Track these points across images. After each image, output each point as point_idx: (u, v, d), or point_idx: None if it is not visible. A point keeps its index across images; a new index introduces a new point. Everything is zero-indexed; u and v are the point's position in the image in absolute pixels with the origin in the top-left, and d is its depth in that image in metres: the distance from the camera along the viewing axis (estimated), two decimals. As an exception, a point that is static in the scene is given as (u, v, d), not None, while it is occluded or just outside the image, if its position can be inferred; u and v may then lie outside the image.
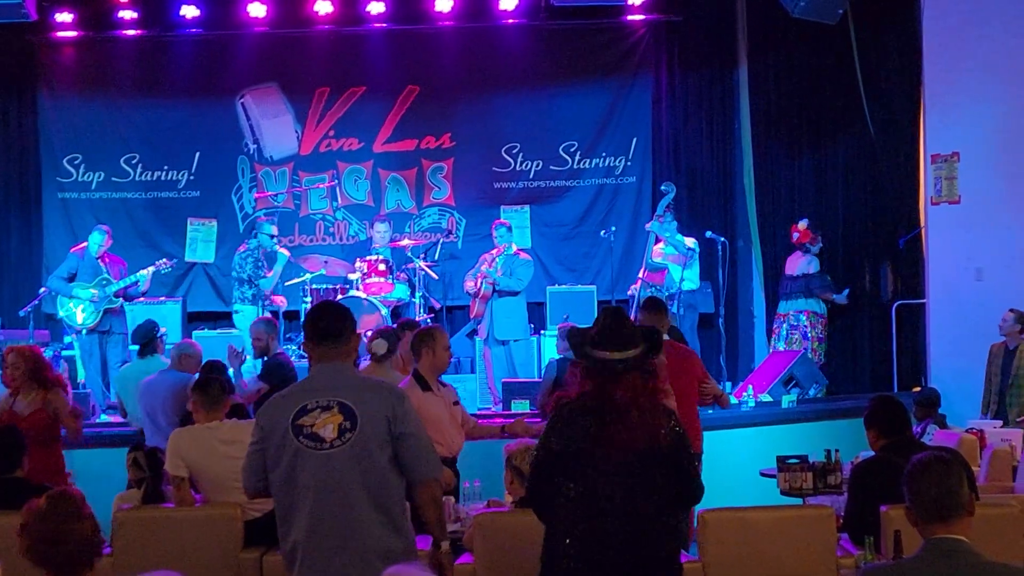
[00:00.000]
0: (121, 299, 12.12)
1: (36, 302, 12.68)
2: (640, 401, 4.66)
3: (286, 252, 12.72)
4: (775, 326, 13.96)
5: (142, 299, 12.67)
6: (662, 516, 4.69)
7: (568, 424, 4.71)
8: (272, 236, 12.69)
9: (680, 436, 4.76)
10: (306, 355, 4.93)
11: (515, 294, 12.80)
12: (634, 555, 4.60)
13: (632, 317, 12.43)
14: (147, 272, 12.23)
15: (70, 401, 8.32)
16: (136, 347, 12.16)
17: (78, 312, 12.04)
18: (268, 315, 11.62)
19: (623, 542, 4.58)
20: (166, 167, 14.57)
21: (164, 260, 12.69)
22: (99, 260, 12.15)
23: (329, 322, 4.76)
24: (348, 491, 4.52)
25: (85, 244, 12.86)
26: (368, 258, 12.82)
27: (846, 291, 13.92)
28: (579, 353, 4.80)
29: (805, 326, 13.67)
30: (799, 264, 13.83)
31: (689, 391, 7.85)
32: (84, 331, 12.04)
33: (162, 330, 10.19)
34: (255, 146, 14.70)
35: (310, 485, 4.53)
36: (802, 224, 13.84)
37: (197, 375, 8.40)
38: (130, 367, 10.07)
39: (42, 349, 9.02)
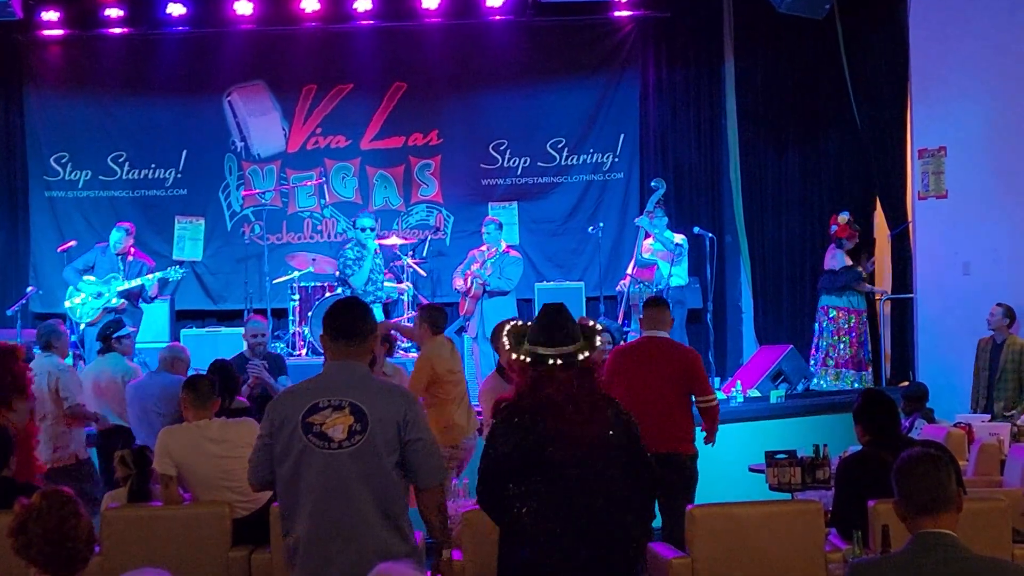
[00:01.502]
0: (124, 300, 12.04)
1: (24, 301, 12.65)
2: (576, 396, 4.65)
3: (376, 243, 12.59)
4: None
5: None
6: (620, 505, 4.70)
7: (510, 426, 4.70)
8: (365, 229, 12.45)
9: (627, 423, 4.76)
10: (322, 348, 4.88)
11: (505, 293, 12.81)
12: (595, 549, 4.60)
13: (622, 313, 12.57)
14: (153, 277, 12.18)
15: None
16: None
17: (79, 304, 11.99)
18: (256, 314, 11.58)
19: (581, 536, 4.59)
20: (153, 165, 14.53)
21: (178, 265, 12.66)
22: (120, 257, 12.09)
23: (348, 320, 4.72)
24: (352, 492, 4.49)
25: (74, 242, 12.85)
26: (357, 255, 12.81)
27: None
28: (517, 349, 4.80)
29: (828, 321, 13.64)
30: (827, 259, 13.76)
31: (669, 390, 7.78)
32: (84, 326, 11.98)
33: (132, 330, 10.20)
34: (242, 144, 14.67)
35: (315, 484, 4.51)
36: (842, 217, 13.62)
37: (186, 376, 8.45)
38: (90, 366, 10.09)
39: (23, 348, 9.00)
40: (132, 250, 12.25)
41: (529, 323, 4.89)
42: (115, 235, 12.18)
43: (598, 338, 4.82)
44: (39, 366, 8.97)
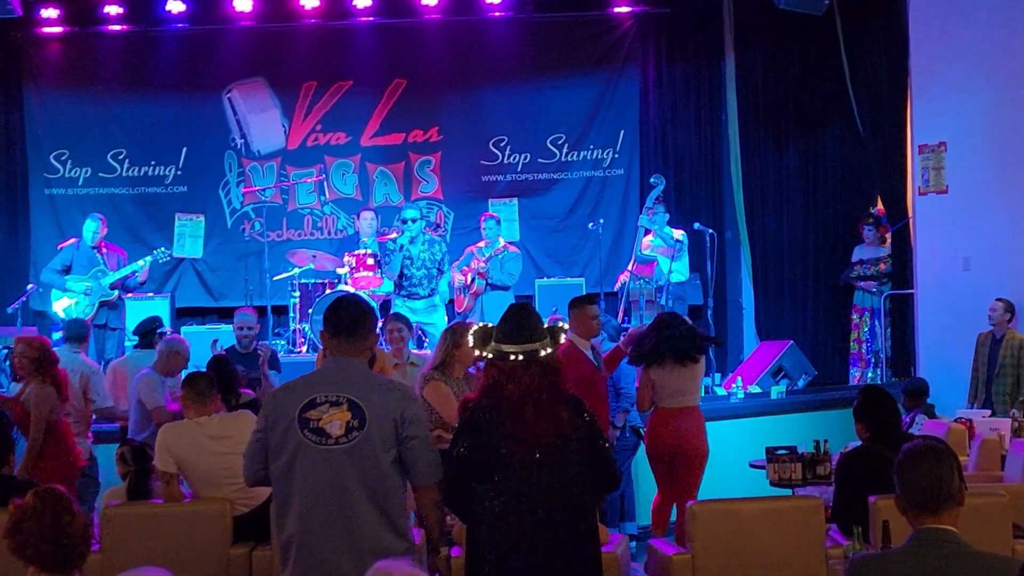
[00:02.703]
0: (117, 292, 12.03)
1: (24, 298, 12.65)
2: (536, 395, 4.69)
3: (423, 234, 12.36)
4: None
5: (131, 294, 12.64)
6: (576, 506, 4.71)
7: (474, 425, 4.75)
8: (406, 221, 12.26)
9: (590, 424, 4.79)
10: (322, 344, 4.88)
11: (506, 288, 12.80)
12: (551, 546, 4.63)
13: (621, 311, 12.57)
14: (143, 262, 12.16)
15: (55, 399, 8.31)
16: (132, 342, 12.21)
17: (71, 305, 11.96)
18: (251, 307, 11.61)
19: (538, 535, 4.63)
20: (153, 162, 14.52)
21: (162, 248, 12.64)
22: (95, 250, 12.06)
23: (347, 316, 4.71)
24: (348, 489, 4.48)
25: (75, 239, 12.83)
26: (356, 252, 12.79)
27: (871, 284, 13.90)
28: (483, 348, 4.83)
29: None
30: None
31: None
32: None
33: (167, 329, 10.22)
34: (242, 141, 14.65)
35: (310, 480, 4.50)
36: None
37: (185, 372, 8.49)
38: (125, 359, 10.13)
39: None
40: (104, 243, 12.23)
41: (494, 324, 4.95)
42: (92, 225, 12.12)
43: (563, 336, 4.88)
44: (69, 362, 9.02)
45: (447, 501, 4.84)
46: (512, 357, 4.72)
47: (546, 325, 4.97)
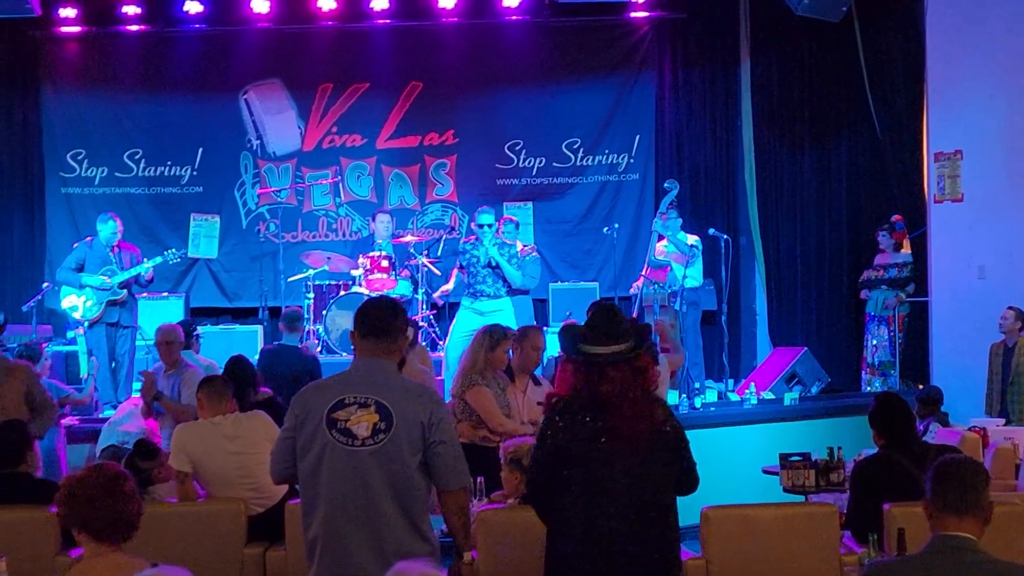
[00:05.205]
0: (125, 291, 12.01)
1: (39, 296, 12.67)
2: (630, 394, 4.66)
3: (492, 237, 12.15)
4: None
5: (145, 294, 12.64)
6: (663, 506, 4.70)
7: (564, 420, 4.71)
8: (482, 226, 12.06)
9: (675, 425, 4.78)
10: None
11: (526, 292, 12.76)
12: (637, 546, 4.61)
13: (635, 314, 12.55)
14: (150, 263, 12.12)
15: None
16: (145, 342, 12.25)
17: (80, 304, 11.94)
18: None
19: (626, 534, 4.60)
20: (169, 162, 14.57)
21: (173, 249, 12.62)
22: (109, 249, 12.02)
23: (376, 317, 4.70)
24: (373, 491, 4.47)
25: (89, 237, 12.85)
26: (371, 254, 12.79)
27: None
28: (569, 349, 4.81)
29: None
30: None
31: None
32: (87, 324, 11.94)
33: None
34: (258, 142, 14.70)
35: (336, 480, 4.49)
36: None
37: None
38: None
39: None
40: (120, 242, 12.24)
41: (575, 322, 4.93)
42: (111, 226, 11.96)
43: (650, 334, 4.85)
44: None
45: (531, 491, 4.85)
46: (604, 360, 4.70)
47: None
